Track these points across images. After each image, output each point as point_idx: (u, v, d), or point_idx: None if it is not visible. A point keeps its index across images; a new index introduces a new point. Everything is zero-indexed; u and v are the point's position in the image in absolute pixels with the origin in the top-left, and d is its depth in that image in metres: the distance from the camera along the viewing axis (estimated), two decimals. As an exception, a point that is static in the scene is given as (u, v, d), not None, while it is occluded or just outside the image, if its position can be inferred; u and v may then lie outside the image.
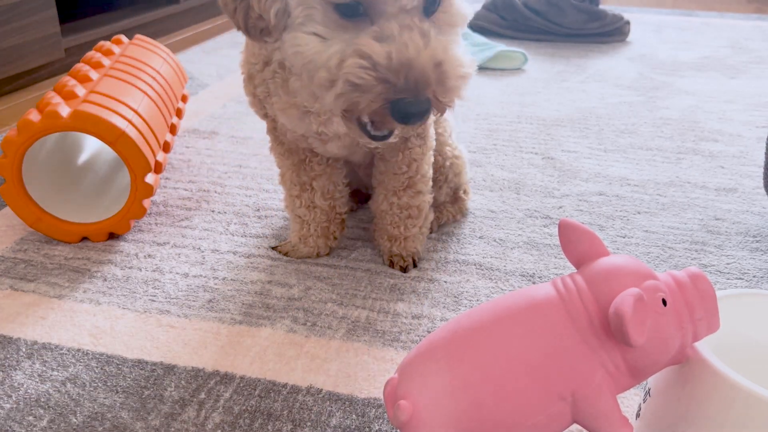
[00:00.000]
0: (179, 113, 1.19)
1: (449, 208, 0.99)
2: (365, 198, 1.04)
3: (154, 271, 0.86)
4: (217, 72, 1.77)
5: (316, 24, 0.58)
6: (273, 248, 0.92)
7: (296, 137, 0.81)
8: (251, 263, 0.89)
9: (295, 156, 0.85)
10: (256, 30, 0.62)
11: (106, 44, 1.15)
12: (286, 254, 0.91)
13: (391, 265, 0.88)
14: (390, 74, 0.54)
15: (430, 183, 0.87)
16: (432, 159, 0.87)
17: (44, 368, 0.69)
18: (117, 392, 0.66)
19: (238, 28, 0.63)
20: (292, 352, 0.72)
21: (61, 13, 1.58)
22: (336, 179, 0.89)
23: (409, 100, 0.55)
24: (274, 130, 0.84)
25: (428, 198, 0.88)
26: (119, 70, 1.03)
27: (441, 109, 0.59)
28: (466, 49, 0.62)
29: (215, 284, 0.84)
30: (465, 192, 1.01)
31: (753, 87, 1.69)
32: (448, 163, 0.94)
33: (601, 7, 2.16)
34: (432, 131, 0.85)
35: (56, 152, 1.00)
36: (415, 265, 0.88)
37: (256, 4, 0.60)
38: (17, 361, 0.70)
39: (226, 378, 0.68)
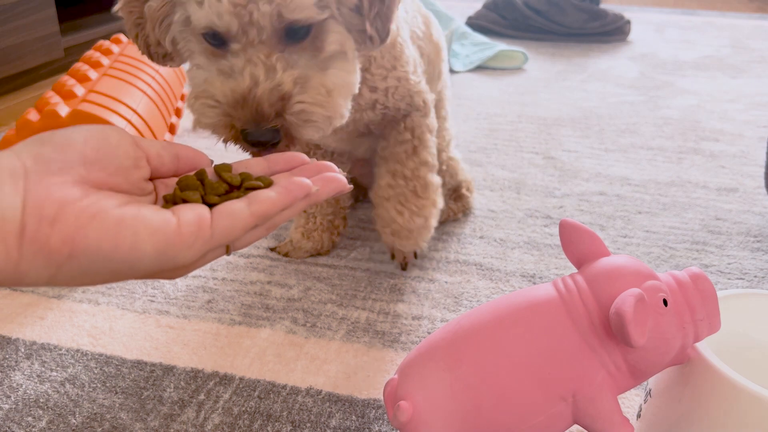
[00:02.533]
0: (178, 113, 1.19)
1: (451, 205, 0.98)
2: (364, 194, 1.04)
3: (153, 271, 0.86)
4: (217, 71, 1.76)
5: (196, 54, 0.60)
6: (271, 249, 0.91)
7: None
8: (250, 263, 0.88)
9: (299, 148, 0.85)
10: (159, 56, 0.65)
11: (105, 43, 1.14)
12: (286, 254, 0.90)
13: (393, 257, 0.88)
14: (230, 109, 0.56)
15: (436, 163, 0.83)
16: (435, 149, 0.83)
17: (43, 369, 0.69)
18: (116, 393, 0.65)
19: (143, 53, 0.65)
20: (291, 353, 0.72)
21: (60, 12, 1.58)
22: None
23: (251, 131, 0.56)
24: None
25: (436, 179, 0.82)
26: (118, 69, 1.02)
27: (292, 140, 0.58)
28: (350, 75, 0.61)
29: (214, 285, 0.84)
30: (468, 189, 1.00)
31: (754, 86, 1.68)
32: (444, 167, 0.95)
33: (602, 6, 2.15)
34: (432, 111, 0.82)
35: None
36: (415, 256, 0.88)
37: (152, 33, 0.62)
38: (16, 362, 0.70)
39: (225, 379, 0.68)
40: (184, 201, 0.40)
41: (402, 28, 0.76)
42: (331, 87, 0.58)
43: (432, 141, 0.82)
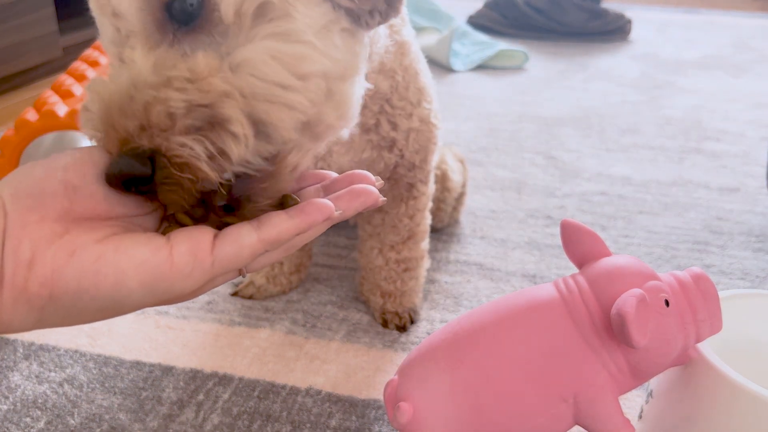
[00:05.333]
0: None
1: (454, 214, 0.97)
2: None
3: (152, 271, 0.86)
4: (217, 71, 1.76)
5: None
6: (233, 294, 0.81)
7: None
8: (250, 263, 0.88)
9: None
10: None
11: (105, 43, 1.14)
12: (250, 297, 0.80)
13: (385, 324, 0.76)
14: (99, 123, 0.37)
15: (429, 230, 0.77)
16: (431, 204, 0.77)
17: (41, 369, 0.68)
18: (115, 393, 0.65)
19: None
20: (291, 353, 0.71)
21: (58, 11, 1.58)
22: None
23: (112, 161, 0.35)
24: None
25: (427, 245, 0.78)
26: (118, 68, 1.02)
27: (176, 178, 0.35)
28: (290, 44, 0.37)
29: (214, 284, 0.83)
30: (464, 186, 0.96)
31: (757, 86, 1.68)
32: (439, 192, 0.88)
33: (603, 5, 2.15)
34: (433, 176, 0.74)
35: (54, 151, 0.99)
36: (412, 322, 0.77)
37: None
38: (14, 362, 0.69)
39: (224, 379, 0.67)
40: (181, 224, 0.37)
41: (420, 54, 0.65)
42: (216, 66, 0.36)
43: (428, 212, 0.76)
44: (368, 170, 0.62)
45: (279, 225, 0.36)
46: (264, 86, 0.36)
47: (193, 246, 0.34)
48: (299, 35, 0.37)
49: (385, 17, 0.42)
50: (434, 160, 0.71)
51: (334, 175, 0.42)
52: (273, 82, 0.36)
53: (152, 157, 0.34)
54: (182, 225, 0.37)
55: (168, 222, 0.38)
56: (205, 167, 0.35)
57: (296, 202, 0.39)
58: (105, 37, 0.39)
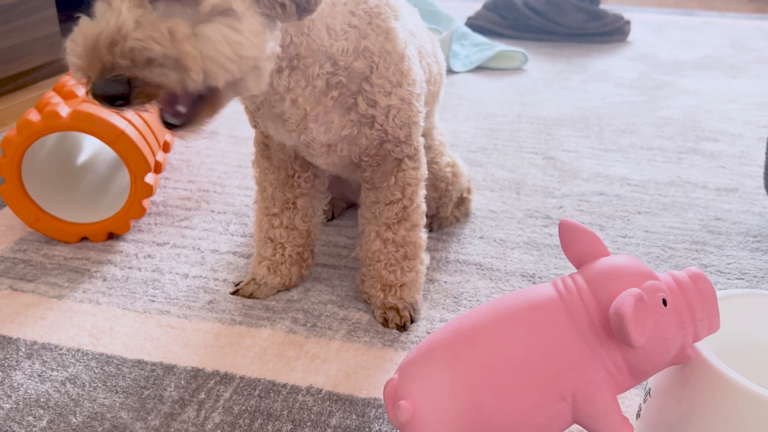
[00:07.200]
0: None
1: (455, 212, 0.98)
2: (351, 204, 1.01)
3: (153, 271, 0.86)
4: (217, 72, 1.76)
5: None
6: (233, 293, 0.82)
7: (288, 149, 0.78)
8: (251, 264, 0.88)
9: (283, 171, 0.80)
10: None
11: (106, 44, 1.14)
12: (250, 296, 0.81)
13: (385, 323, 0.77)
14: (84, 55, 0.52)
15: (425, 217, 0.79)
16: (425, 191, 0.79)
17: (44, 368, 0.69)
18: (116, 392, 0.66)
19: None
20: (292, 352, 0.72)
21: (61, 12, 1.58)
22: (317, 204, 0.83)
23: (95, 82, 0.52)
24: (262, 144, 0.80)
25: (424, 235, 0.79)
26: (119, 69, 1.02)
27: (148, 95, 0.53)
28: (235, 33, 0.55)
29: (215, 285, 0.84)
30: (469, 191, 0.99)
31: (754, 87, 1.69)
32: (448, 172, 0.92)
33: (602, 6, 2.15)
34: (423, 158, 0.78)
35: (56, 152, 1.00)
36: (412, 321, 0.77)
37: None
38: (17, 361, 0.70)
39: (225, 378, 0.68)
40: None
41: (409, 42, 0.71)
42: (188, 34, 0.52)
43: (422, 195, 0.78)
44: (351, 146, 0.71)
45: None
46: (216, 54, 0.53)
47: None
48: (243, 32, 0.55)
49: (306, 14, 0.58)
50: (419, 138, 0.76)
51: None
52: (222, 54, 0.54)
53: (128, 81, 0.51)
54: None
55: None
56: (175, 84, 0.53)
57: None
58: None
